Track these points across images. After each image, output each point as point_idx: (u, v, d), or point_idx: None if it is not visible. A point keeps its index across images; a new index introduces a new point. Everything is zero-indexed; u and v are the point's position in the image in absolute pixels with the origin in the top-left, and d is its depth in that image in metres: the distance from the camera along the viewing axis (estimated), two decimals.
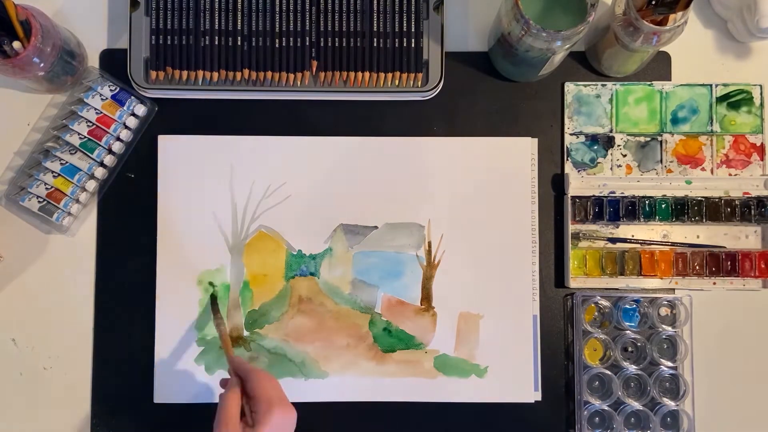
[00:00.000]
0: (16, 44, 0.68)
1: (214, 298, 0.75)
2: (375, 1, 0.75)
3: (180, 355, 0.76)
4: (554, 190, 0.78)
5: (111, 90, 0.76)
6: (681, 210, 0.77)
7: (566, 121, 0.79)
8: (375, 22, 0.75)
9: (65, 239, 0.77)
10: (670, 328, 0.76)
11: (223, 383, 0.70)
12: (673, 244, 0.78)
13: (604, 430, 0.76)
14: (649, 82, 0.79)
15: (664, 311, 0.77)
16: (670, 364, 0.76)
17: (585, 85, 0.79)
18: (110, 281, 0.77)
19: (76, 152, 0.75)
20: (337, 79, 0.76)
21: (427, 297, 0.77)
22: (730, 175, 0.78)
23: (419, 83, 0.76)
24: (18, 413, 0.77)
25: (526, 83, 0.79)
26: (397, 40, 0.75)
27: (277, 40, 0.75)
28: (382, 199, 0.77)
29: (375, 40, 0.75)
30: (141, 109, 0.76)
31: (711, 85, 0.79)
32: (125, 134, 0.77)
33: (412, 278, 0.77)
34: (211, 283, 0.76)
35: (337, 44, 0.75)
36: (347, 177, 0.77)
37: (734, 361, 0.78)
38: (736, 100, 0.79)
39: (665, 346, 0.77)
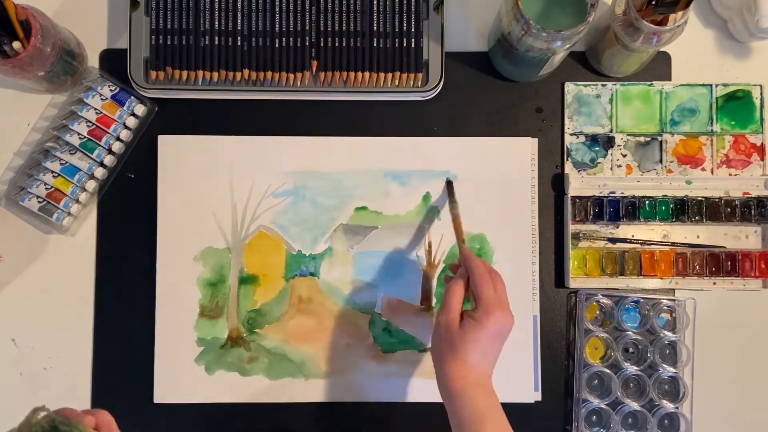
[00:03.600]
0: (16, 44, 0.68)
1: (450, 183, 0.75)
2: (375, 1, 0.75)
3: (180, 355, 0.76)
4: (554, 190, 0.78)
5: (111, 90, 0.76)
6: (681, 210, 0.77)
7: (566, 121, 0.79)
8: (375, 22, 0.75)
9: (65, 239, 0.77)
10: (671, 334, 0.76)
11: (447, 278, 0.71)
12: (673, 244, 0.78)
13: (601, 429, 0.76)
14: (649, 82, 0.79)
15: (665, 316, 0.77)
16: (672, 369, 0.76)
17: (585, 85, 0.79)
18: (110, 281, 0.77)
19: (75, 152, 0.75)
20: (337, 79, 0.76)
21: (427, 297, 0.77)
22: (730, 175, 0.78)
23: (419, 83, 0.76)
24: (18, 414, 0.76)
25: (527, 83, 0.79)
26: (397, 40, 0.75)
27: (277, 40, 0.75)
28: (382, 199, 0.77)
29: (375, 40, 0.75)
30: (141, 109, 0.76)
31: (711, 85, 0.79)
32: (125, 134, 0.77)
33: (412, 278, 0.77)
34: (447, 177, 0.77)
35: (337, 44, 0.75)
36: (347, 177, 0.77)
37: (733, 362, 0.78)
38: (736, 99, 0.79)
39: (667, 352, 0.77)
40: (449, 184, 0.76)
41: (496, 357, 0.64)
